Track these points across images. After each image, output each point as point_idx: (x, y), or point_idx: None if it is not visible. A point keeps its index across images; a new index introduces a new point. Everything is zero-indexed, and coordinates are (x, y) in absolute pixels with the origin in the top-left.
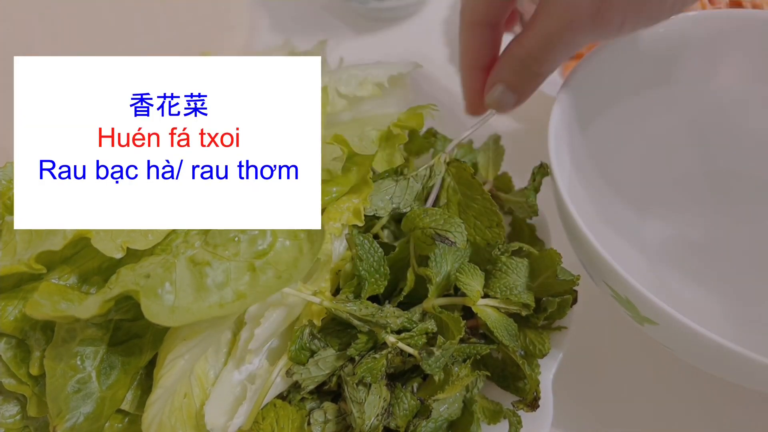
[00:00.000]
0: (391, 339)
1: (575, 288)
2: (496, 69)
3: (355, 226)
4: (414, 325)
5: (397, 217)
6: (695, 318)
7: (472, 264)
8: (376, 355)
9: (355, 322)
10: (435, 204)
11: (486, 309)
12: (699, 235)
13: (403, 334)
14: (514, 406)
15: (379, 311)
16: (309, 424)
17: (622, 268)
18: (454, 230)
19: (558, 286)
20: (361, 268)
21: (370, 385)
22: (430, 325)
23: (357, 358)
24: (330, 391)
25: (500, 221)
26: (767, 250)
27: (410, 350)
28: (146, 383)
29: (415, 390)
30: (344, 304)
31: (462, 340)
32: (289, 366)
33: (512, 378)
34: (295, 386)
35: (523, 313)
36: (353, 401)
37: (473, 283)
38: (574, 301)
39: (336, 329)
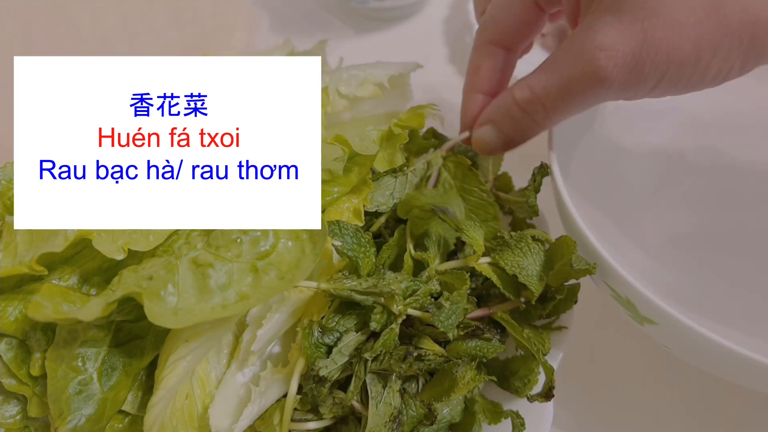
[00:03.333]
0: (398, 307)
1: None
2: (491, 108)
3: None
4: (419, 287)
5: (397, 217)
6: (695, 318)
7: (471, 221)
8: (393, 325)
9: (359, 297)
10: None
11: (489, 266)
12: (700, 234)
13: (408, 300)
14: (529, 399)
15: (380, 280)
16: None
17: (622, 267)
18: (452, 203)
19: (572, 275)
20: (344, 251)
21: (387, 379)
22: (433, 286)
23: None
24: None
25: (496, 214)
26: None
27: (418, 313)
28: (147, 384)
29: (419, 388)
30: (343, 282)
31: (473, 333)
32: (305, 367)
33: (512, 378)
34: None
35: (523, 303)
36: (371, 396)
37: (476, 235)
38: (575, 301)
39: (344, 316)
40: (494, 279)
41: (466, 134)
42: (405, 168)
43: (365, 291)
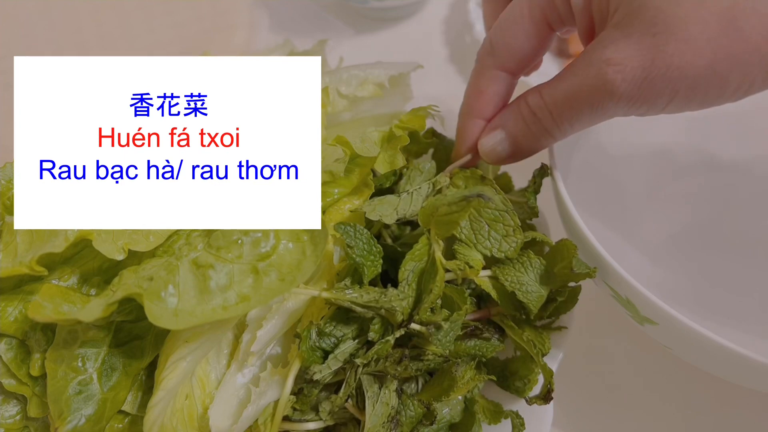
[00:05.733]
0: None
1: None
2: (502, 114)
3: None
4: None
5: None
6: (695, 317)
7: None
8: (388, 338)
9: (359, 309)
10: None
11: (488, 280)
12: (700, 234)
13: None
14: (528, 401)
15: (382, 295)
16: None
17: (622, 267)
18: (485, 190)
19: (573, 278)
20: (354, 255)
21: (383, 380)
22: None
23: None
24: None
25: (516, 224)
26: None
27: (417, 327)
28: (147, 384)
29: (419, 388)
30: (344, 292)
31: (473, 333)
32: (298, 369)
33: (512, 378)
34: (308, 382)
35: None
36: (367, 396)
37: (473, 253)
38: (575, 302)
39: (343, 321)
40: (493, 294)
41: (468, 157)
42: (405, 181)
43: (365, 304)
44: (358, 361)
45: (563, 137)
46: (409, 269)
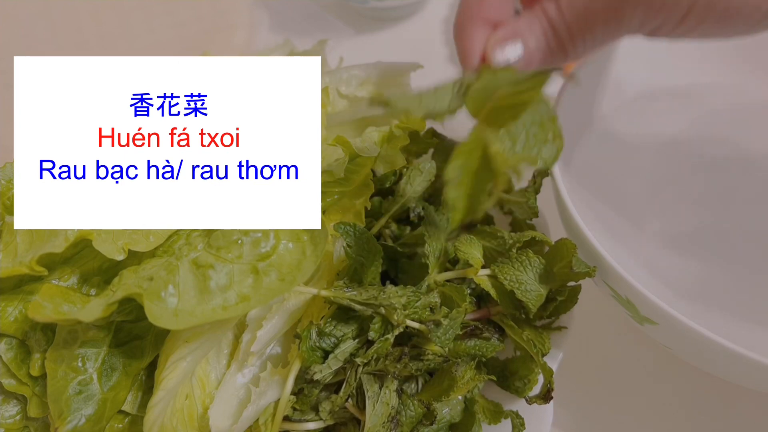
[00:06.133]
0: (398, 318)
1: None
2: (518, 23)
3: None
4: (419, 299)
5: (396, 218)
6: (695, 317)
7: (469, 235)
8: (388, 335)
9: (358, 307)
10: None
11: (488, 279)
12: (701, 233)
13: (407, 311)
14: (528, 401)
15: (381, 292)
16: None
17: (622, 267)
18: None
19: (573, 277)
20: (353, 254)
21: (383, 380)
22: (433, 298)
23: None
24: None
25: (558, 133)
26: None
27: (416, 324)
28: (147, 384)
29: (419, 388)
30: (343, 290)
31: (472, 333)
32: (298, 369)
33: (512, 378)
34: (308, 382)
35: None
36: (367, 396)
37: (473, 251)
38: (575, 302)
39: (343, 321)
40: (492, 293)
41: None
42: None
43: (364, 302)
44: (358, 360)
45: (575, 58)
46: (457, 166)
